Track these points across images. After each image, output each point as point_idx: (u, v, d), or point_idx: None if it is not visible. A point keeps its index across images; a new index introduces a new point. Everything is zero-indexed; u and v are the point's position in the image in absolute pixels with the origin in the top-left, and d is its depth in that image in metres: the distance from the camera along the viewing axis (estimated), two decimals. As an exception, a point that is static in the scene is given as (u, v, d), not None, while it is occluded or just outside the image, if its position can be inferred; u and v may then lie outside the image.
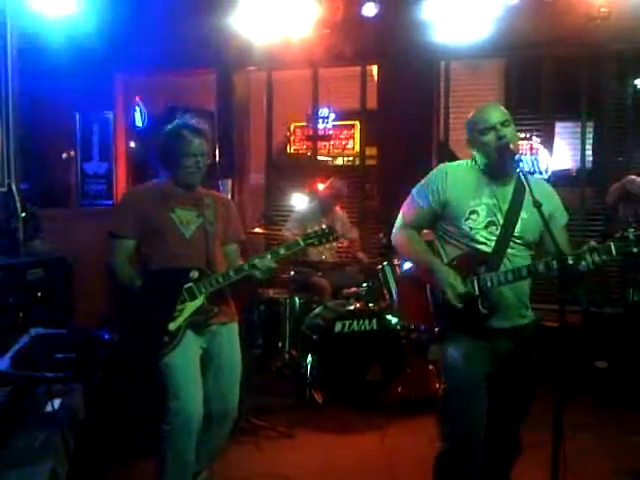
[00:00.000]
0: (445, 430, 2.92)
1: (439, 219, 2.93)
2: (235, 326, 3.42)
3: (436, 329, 2.88)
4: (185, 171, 3.22)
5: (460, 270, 2.82)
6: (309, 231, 3.33)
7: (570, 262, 2.61)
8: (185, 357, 3.13)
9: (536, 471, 2.75)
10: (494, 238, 2.83)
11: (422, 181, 2.97)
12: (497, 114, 2.85)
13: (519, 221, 2.83)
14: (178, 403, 3.08)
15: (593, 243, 2.63)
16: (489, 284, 2.78)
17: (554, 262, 2.64)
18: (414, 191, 2.98)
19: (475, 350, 2.84)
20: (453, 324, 2.83)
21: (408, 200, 3.01)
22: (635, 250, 2.58)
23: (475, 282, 2.79)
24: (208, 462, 3.46)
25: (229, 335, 3.37)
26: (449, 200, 2.86)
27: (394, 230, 3.05)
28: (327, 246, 3.37)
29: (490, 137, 2.81)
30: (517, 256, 2.83)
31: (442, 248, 2.94)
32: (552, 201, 2.93)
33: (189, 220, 3.25)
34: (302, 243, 3.29)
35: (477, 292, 2.78)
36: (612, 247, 2.59)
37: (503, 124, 2.81)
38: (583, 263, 2.61)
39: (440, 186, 2.88)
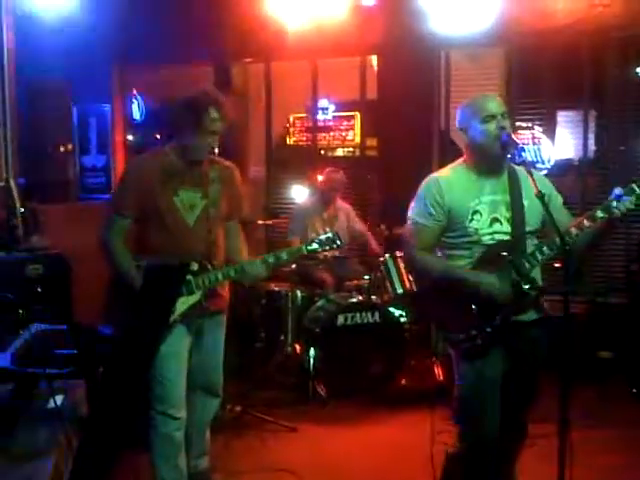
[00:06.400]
0: (461, 430, 2.90)
1: (444, 230, 2.88)
2: (222, 317, 3.39)
3: (479, 334, 2.78)
4: (197, 147, 3.10)
5: (488, 266, 2.78)
6: (313, 235, 3.30)
7: (600, 215, 2.64)
8: (174, 347, 3.12)
9: (542, 462, 2.73)
10: (500, 234, 2.81)
11: (415, 202, 2.91)
12: (498, 104, 2.84)
13: (525, 210, 2.81)
14: (163, 390, 3.11)
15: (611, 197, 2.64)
16: (527, 265, 2.75)
17: (573, 230, 2.66)
18: (413, 215, 2.90)
19: (492, 351, 2.81)
20: (502, 320, 2.76)
21: (409, 226, 2.92)
22: None
23: (511, 269, 2.75)
24: (203, 447, 3.48)
25: (215, 324, 3.35)
26: (451, 208, 2.82)
27: (408, 259, 3.00)
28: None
29: (491, 126, 2.78)
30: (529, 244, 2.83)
31: (451, 259, 2.89)
32: (545, 186, 2.88)
33: (193, 204, 3.16)
34: (305, 251, 3.25)
35: (516, 276, 2.74)
36: (635, 187, 2.62)
37: (503, 115, 2.80)
38: (615, 211, 2.62)
39: (438, 197, 2.83)
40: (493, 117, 2.78)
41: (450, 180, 2.87)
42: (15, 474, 2.43)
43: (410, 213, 2.92)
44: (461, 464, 2.90)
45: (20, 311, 3.57)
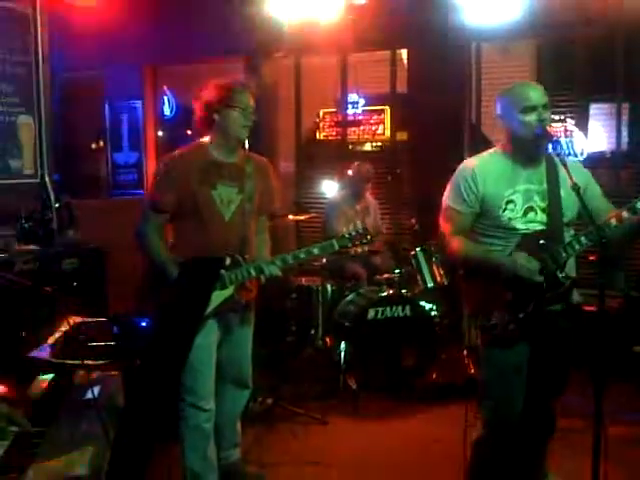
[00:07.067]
0: (484, 415, 2.90)
1: (478, 217, 2.88)
2: (250, 310, 3.41)
3: (512, 321, 2.77)
4: (233, 125, 3.15)
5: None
6: (344, 230, 3.32)
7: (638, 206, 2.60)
8: (204, 339, 3.15)
9: (575, 457, 2.72)
10: (534, 224, 2.79)
11: (450, 188, 2.91)
12: (540, 94, 2.78)
13: (561, 200, 2.79)
14: (193, 382, 3.15)
15: None
16: (564, 254, 2.73)
17: (612, 222, 2.63)
18: (448, 201, 2.90)
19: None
20: (535, 307, 2.75)
21: (444, 212, 2.93)
22: None
23: (548, 258, 2.74)
24: (233, 439, 3.52)
25: (243, 317, 3.38)
26: (485, 195, 2.81)
27: (443, 244, 2.98)
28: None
29: (531, 118, 2.73)
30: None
31: (484, 245, 2.88)
32: (582, 175, 2.84)
33: (230, 199, 3.19)
34: (336, 246, 3.26)
35: (554, 266, 2.73)
36: None
37: (544, 107, 2.75)
38: None
39: (473, 184, 2.82)
40: (534, 109, 2.73)
41: (485, 168, 2.85)
42: (53, 464, 2.48)
43: (445, 199, 2.92)
44: (484, 450, 2.90)
45: (57, 304, 3.65)
